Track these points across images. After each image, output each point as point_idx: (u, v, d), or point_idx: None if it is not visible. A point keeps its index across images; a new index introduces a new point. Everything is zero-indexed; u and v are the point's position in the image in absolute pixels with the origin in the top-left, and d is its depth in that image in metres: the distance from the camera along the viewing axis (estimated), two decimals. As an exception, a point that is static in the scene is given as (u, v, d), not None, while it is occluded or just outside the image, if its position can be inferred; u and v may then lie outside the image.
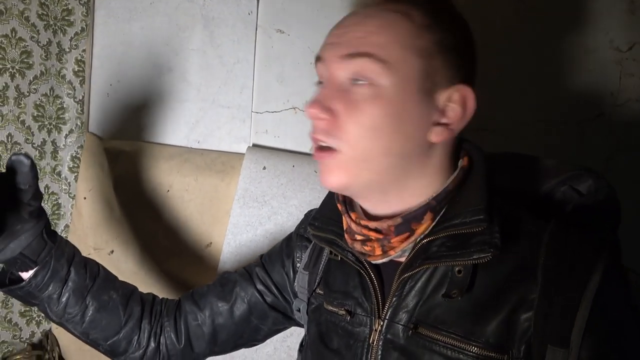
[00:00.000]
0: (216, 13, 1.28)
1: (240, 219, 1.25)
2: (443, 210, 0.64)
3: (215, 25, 1.28)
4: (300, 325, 0.89)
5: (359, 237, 0.66)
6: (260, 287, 0.89)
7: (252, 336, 0.92)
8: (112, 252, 1.33)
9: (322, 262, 0.79)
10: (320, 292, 0.78)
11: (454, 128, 0.63)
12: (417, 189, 0.65)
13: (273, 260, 0.91)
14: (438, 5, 0.64)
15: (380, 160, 0.62)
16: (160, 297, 0.97)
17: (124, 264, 1.31)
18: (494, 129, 1.22)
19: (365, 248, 0.66)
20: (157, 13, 1.29)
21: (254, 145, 1.32)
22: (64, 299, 0.82)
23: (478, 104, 0.64)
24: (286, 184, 1.25)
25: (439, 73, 0.62)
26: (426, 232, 0.63)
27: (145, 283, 1.28)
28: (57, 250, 0.81)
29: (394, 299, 0.65)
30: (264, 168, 1.26)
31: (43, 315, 1.35)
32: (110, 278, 0.91)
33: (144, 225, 1.29)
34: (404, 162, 0.63)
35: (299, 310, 0.85)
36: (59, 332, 1.38)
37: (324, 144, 0.63)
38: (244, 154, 1.29)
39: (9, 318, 1.32)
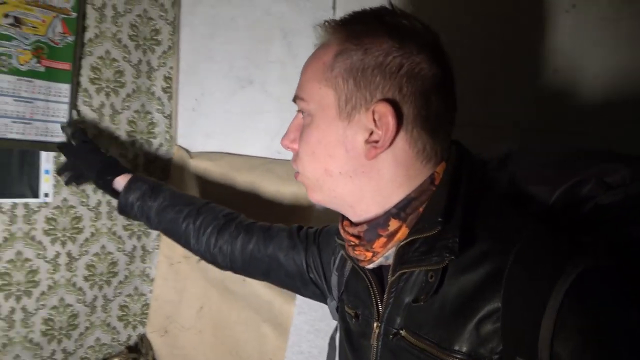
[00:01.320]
0: (294, 24, 1.30)
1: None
2: (418, 217, 0.66)
3: (293, 37, 1.30)
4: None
5: (348, 243, 0.72)
6: (309, 261, 0.95)
7: (297, 292, 1.03)
8: (199, 260, 1.38)
9: (348, 267, 0.83)
10: (344, 295, 0.83)
11: (382, 145, 0.64)
12: (378, 200, 0.68)
13: (327, 241, 0.94)
14: (354, 27, 0.67)
15: (326, 181, 0.68)
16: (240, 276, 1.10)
17: (210, 272, 1.36)
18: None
19: (356, 253, 0.71)
20: (238, 28, 1.33)
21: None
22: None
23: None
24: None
25: (356, 96, 0.65)
26: (404, 238, 0.66)
27: (231, 292, 1.31)
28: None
29: (387, 302, 0.69)
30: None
31: (139, 318, 1.43)
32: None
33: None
34: (350, 180, 0.67)
35: (331, 307, 0.90)
36: (153, 337, 1.46)
37: (296, 168, 0.74)
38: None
39: (108, 322, 1.40)
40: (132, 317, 1.45)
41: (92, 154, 1.20)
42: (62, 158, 1.25)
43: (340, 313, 0.85)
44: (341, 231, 0.74)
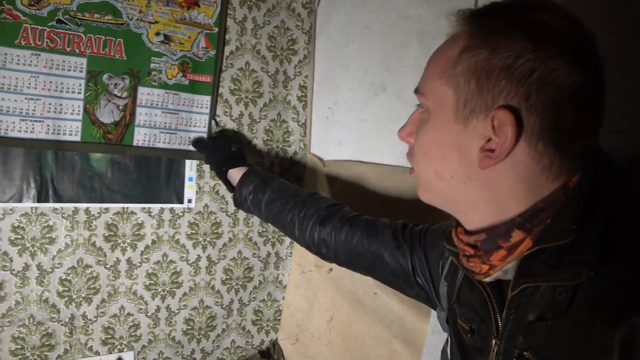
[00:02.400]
0: (431, 27, 1.23)
1: (459, 242, 1.16)
2: (545, 228, 0.58)
3: (430, 40, 1.23)
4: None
5: (462, 253, 0.67)
6: (415, 264, 0.91)
7: (402, 291, 0.98)
8: (330, 270, 1.36)
9: (459, 277, 0.76)
10: (455, 306, 0.77)
11: (498, 155, 0.57)
12: (495, 209, 0.61)
13: (434, 243, 0.89)
14: (486, 21, 0.58)
15: (437, 183, 0.64)
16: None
17: (341, 282, 1.33)
18: None
19: (470, 264, 0.65)
20: (373, 33, 1.30)
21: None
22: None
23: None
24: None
25: (476, 99, 0.58)
26: (527, 250, 0.59)
27: (362, 304, 1.27)
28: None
29: (506, 319, 0.62)
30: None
31: (272, 324, 1.45)
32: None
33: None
34: (463, 186, 0.62)
35: (441, 318, 0.84)
36: (284, 343, 1.47)
37: (410, 164, 0.70)
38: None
39: (243, 325, 1.44)
40: (265, 323, 1.47)
41: (219, 147, 1.27)
42: (206, 166, 1.32)
43: (451, 325, 0.78)
44: (455, 239, 0.68)
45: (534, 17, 0.57)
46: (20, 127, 1.10)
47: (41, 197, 1.16)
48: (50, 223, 1.18)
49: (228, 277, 1.40)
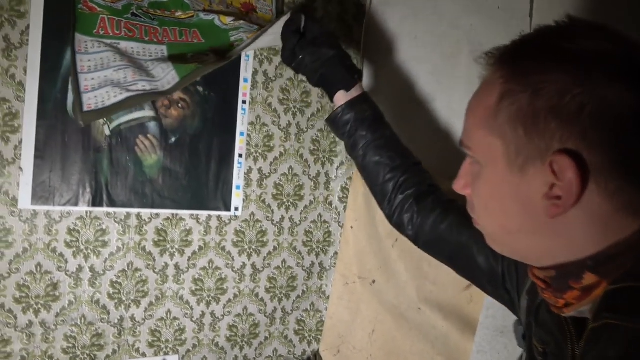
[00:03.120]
0: (483, 37, 1.21)
1: (508, 259, 1.13)
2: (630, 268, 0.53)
3: (482, 50, 1.21)
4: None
5: (538, 285, 0.64)
6: (505, 269, 0.85)
7: (481, 288, 0.93)
8: (374, 282, 1.35)
9: (540, 297, 0.70)
10: (532, 324, 0.72)
11: (566, 203, 0.53)
12: (567, 251, 0.57)
13: None
14: (520, 61, 0.54)
15: (503, 236, 0.62)
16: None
17: (384, 295, 1.32)
18: None
19: (545, 296, 0.62)
20: (422, 44, 1.28)
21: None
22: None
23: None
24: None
25: (528, 147, 0.54)
26: (608, 288, 0.54)
27: (405, 319, 1.25)
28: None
29: (584, 350, 0.57)
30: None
31: (314, 334, 1.45)
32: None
33: (404, 259, 1.27)
34: (532, 238, 0.58)
35: (518, 332, 0.82)
36: (326, 355, 1.46)
37: (471, 215, 0.67)
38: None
39: (285, 334, 1.44)
40: (308, 333, 1.47)
41: (329, 39, 1.04)
42: (258, 165, 1.33)
43: (527, 342, 0.74)
44: (530, 274, 0.65)
45: (571, 46, 0.52)
46: (116, 92, 1.06)
47: (96, 202, 1.20)
48: (104, 227, 1.22)
49: (272, 285, 1.41)
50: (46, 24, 1.13)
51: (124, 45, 1.11)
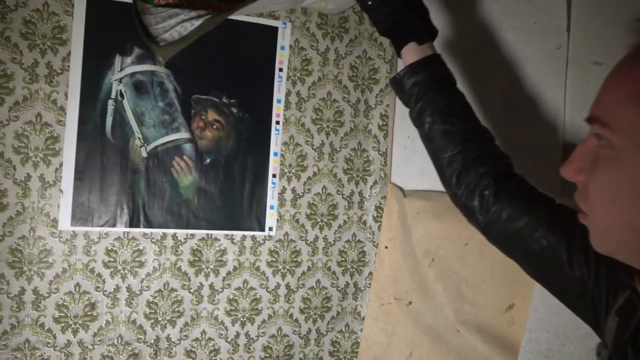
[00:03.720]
0: (520, 53, 1.19)
1: (550, 279, 1.09)
2: None
3: (519, 66, 1.19)
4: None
5: None
6: (599, 280, 0.71)
7: (557, 296, 0.79)
8: (410, 303, 1.32)
9: (637, 319, 0.61)
10: (628, 351, 0.61)
11: None
12: None
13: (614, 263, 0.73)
14: None
15: (626, 234, 0.52)
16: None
17: (421, 317, 1.29)
18: None
19: None
20: (458, 59, 1.27)
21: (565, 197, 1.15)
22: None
23: None
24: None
25: None
26: None
27: (443, 341, 1.22)
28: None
29: None
30: (579, 222, 1.08)
31: (349, 356, 1.42)
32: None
33: (442, 279, 1.24)
34: None
35: (602, 357, 0.67)
36: (362, 377, 1.43)
37: (580, 206, 0.57)
38: (553, 205, 1.13)
39: (320, 356, 1.42)
40: (343, 354, 1.45)
41: None
42: (292, 185, 1.33)
43: None
44: (637, 284, 0.57)
45: None
46: (186, 27, 1.04)
47: (133, 222, 1.22)
48: (141, 247, 1.23)
49: (306, 306, 1.39)
50: (86, 50, 1.17)
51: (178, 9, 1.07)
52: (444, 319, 1.22)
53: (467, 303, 1.19)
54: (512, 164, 0.87)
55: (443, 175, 0.90)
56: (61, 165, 1.17)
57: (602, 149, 0.52)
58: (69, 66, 1.17)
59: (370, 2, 0.91)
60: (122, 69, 1.20)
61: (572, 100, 1.14)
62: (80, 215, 1.18)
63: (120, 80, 1.20)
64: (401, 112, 1.40)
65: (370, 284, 1.43)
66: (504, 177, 0.83)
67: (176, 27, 1.05)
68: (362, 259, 1.44)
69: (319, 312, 1.41)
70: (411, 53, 0.89)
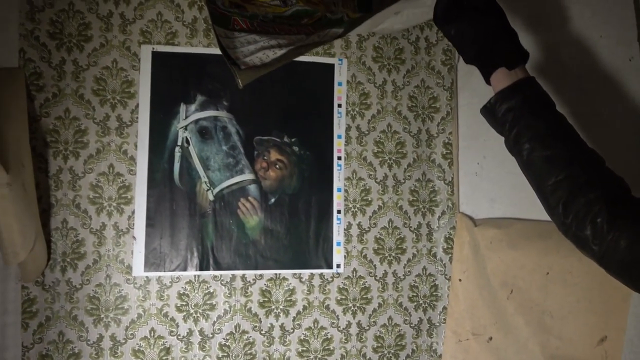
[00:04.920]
0: (587, 67, 1.13)
1: (645, 308, 1.00)
2: None
3: (588, 81, 1.13)
4: None
5: None
6: None
7: None
8: (490, 339, 1.24)
9: None
10: None
11: None
12: None
13: None
14: None
15: None
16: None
17: (503, 353, 1.21)
18: None
19: None
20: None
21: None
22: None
23: None
24: None
25: None
26: None
27: (530, 378, 1.14)
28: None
29: None
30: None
31: None
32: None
33: (523, 312, 1.17)
34: None
35: None
36: (443, 419, 1.36)
37: None
38: None
39: (397, 397, 1.37)
40: (420, 394, 1.38)
41: (487, 16, 0.86)
42: (357, 220, 1.31)
43: None
44: None
45: None
46: (268, 55, 1.06)
47: (203, 266, 1.23)
48: (211, 290, 1.24)
49: (379, 344, 1.35)
50: (153, 101, 1.22)
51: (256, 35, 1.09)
52: (529, 355, 1.14)
53: (553, 337, 1.11)
54: (627, 186, 0.78)
55: (548, 204, 0.83)
56: (133, 212, 1.21)
57: None
58: (137, 117, 1.22)
59: (453, 31, 0.87)
60: (186, 117, 1.24)
61: (651, 113, 1.07)
62: (153, 260, 1.21)
63: (185, 128, 1.24)
64: (466, 140, 1.36)
65: (445, 319, 1.37)
66: (619, 202, 0.74)
67: (257, 53, 1.05)
68: (434, 294, 1.38)
69: (392, 351, 1.36)
70: (502, 79, 0.84)
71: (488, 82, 0.87)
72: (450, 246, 1.37)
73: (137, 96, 1.23)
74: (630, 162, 1.09)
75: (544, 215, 1.18)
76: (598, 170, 0.78)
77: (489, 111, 0.87)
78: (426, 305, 1.38)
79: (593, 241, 0.75)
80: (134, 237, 1.21)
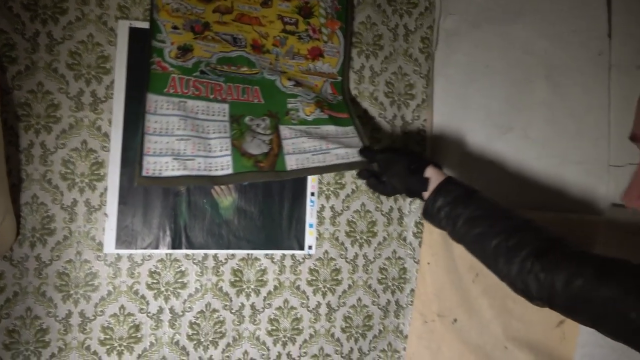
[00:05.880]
0: (559, 60, 1.16)
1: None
2: None
3: (559, 74, 1.16)
4: None
5: None
6: None
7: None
8: (455, 320, 1.29)
9: None
10: None
11: None
12: None
13: None
14: None
15: None
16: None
17: (467, 334, 1.25)
18: None
19: None
20: (495, 72, 1.25)
21: (615, 206, 1.11)
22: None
23: None
24: (663, 253, 0.99)
25: None
26: None
27: (489, 358, 1.18)
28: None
29: None
30: (631, 232, 1.04)
31: None
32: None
33: (487, 295, 1.21)
34: None
35: None
36: (407, 397, 1.40)
37: None
38: (601, 215, 1.09)
39: (363, 376, 1.40)
40: (388, 376, 1.42)
41: (399, 157, 1.10)
42: (330, 202, 1.33)
43: None
44: None
45: None
46: (174, 166, 1.11)
47: (175, 244, 1.23)
48: (183, 268, 1.25)
49: (348, 324, 1.38)
50: (129, 78, 1.21)
51: (190, 103, 1.17)
52: (491, 336, 1.19)
53: (515, 319, 1.15)
54: (553, 234, 0.87)
55: (496, 271, 0.92)
56: (106, 189, 1.20)
57: None
58: (112, 94, 1.20)
59: (383, 192, 1.16)
60: (162, 94, 1.23)
61: (617, 106, 1.11)
62: (125, 238, 1.21)
63: (160, 105, 1.22)
64: (440, 127, 1.38)
65: (412, 301, 1.41)
66: (548, 251, 0.83)
67: (164, 157, 1.11)
68: (403, 276, 1.41)
69: (360, 331, 1.39)
70: (433, 177, 1.03)
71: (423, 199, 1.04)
72: (420, 230, 1.40)
73: (112, 72, 1.21)
74: (598, 152, 1.13)
75: (510, 202, 1.23)
76: (523, 230, 0.88)
77: (427, 214, 1.03)
78: (394, 287, 1.41)
79: (538, 293, 0.83)
80: (105, 214, 1.20)
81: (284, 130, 1.22)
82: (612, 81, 1.12)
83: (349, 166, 1.19)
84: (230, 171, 1.14)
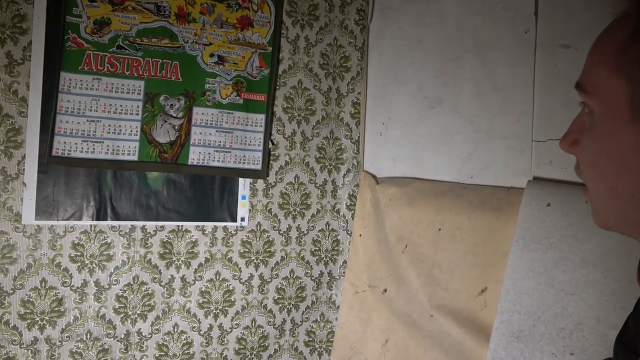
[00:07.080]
0: (488, 37, 1.19)
1: (521, 263, 1.09)
2: None
3: (487, 51, 1.19)
4: None
5: None
6: None
7: None
8: (385, 290, 1.32)
9: None
10: None
11: None
12: None
13: None
14: None
15: (609, 203, 0.50)
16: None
17: (396, 304, 1.29)
18: None
19: None
20: (427, 47, 1.27)
21: (536, 179, 1.16)
22: None
23: None
24: (577, 224, 1.04)
25: None
26: None
27: (418, 327, 1.22)
28: None
29: None
30: (549, 205, 1.09)
31: (324, 345, 1.42)
32: None
33: (415, 265, 1.24)
34: None
35: None
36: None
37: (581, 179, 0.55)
38: (523, 188, 1.14)
39: (295, 346, 1.41)
40: (318, 344, 1.44)
41: None
42: (258, 184, 1.32)
43: None
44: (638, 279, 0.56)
45: None
46: (82, 148, 1.14)
47: (100, 215, 1.19)
48: (108, 240, 1.21)
49: (280, 296, 1.38)
50: (48, 39, 1.13)
51: (104, 80, 1.16)
52: (418, 305, 1.22)
53: (440, 288, 1.19)
54: None
55: None
56: (24, 157, 1.13)
57: (587, 117, 0.51)
58: (30, 56, 1.13)
59: None
60: (85, 58, 1.17)
61: (541, 83, 1.14)
62: (45, 208, 1.15)
63: (83, 69, 1.17)
64: (373, 100, 1.39)
65: (344, 272, 1.43)
66: None
67: (76, 139, 1.14)
68: (336, 248, 1.43)
69: (293, 302, 1.40)
70: None
71: None
72: (353, 203, 1.42)
73: (30, 32, 1.13)
74: (522, 127, 1.17)
75: (441, 176, 1.26)
76: None
77: None
78: (327, 259, 1.43)
79: None
80: (24, 184, 1.14)
81: (197, 114, 1.23)
82: (538, 58, 1.15)
83: (239, 173, 1.29)
84: (135, 158, 1.18)
